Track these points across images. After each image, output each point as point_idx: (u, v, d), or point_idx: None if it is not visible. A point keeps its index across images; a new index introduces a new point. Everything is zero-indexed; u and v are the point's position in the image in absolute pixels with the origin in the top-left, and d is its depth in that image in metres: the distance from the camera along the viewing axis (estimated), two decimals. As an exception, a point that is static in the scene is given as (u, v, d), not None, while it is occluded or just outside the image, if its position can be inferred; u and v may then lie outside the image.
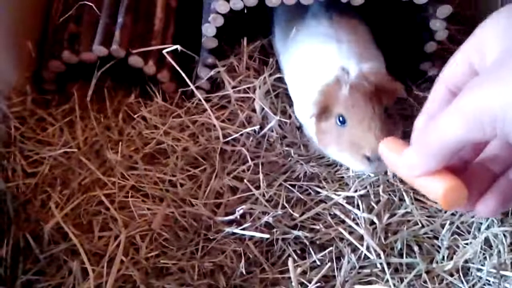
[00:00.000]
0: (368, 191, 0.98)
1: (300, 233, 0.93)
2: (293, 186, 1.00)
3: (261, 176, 0.99)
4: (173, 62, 1.07)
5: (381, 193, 0.98)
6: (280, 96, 1.12)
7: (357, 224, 0.94)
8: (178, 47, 1.07)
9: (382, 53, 1.02)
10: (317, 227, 0.94)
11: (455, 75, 0.58)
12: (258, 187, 0.98)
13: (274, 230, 0.93)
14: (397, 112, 0.92)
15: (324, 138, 0.91)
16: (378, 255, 0.91)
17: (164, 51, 1.07)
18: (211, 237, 0.93)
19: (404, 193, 0.98)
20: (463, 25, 1.23)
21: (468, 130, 0.49)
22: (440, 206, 0.76)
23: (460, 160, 0.61)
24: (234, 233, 0.92)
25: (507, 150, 0.58)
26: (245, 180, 0.99)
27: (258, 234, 0.91)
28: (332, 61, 0.94)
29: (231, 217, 0.93)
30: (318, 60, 0.97)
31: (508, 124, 0.46)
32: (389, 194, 0.98)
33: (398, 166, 0.57)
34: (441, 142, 0.52)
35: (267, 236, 0.91)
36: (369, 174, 0.97)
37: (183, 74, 1.07)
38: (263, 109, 1.08)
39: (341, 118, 0.87)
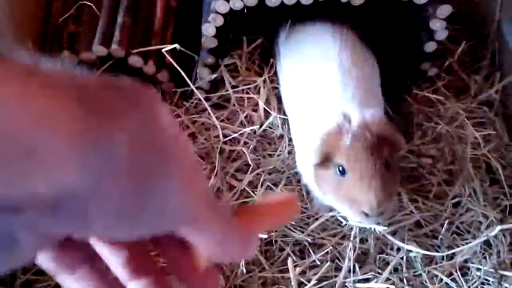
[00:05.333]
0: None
1: (300, 236, 0.93)
2: (293, 186, 1.00)
3: (261, 176, 0.99)
4: (173, 62, 1.07)
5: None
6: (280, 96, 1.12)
7: (357, 223, 0.94)
8: (177, 46, 1.07)
9: (382, 93, 1.00)
10: (317, 228, 0.95)
11: None
12: (258, 187, 0.98)
13: (273, 231, 0.93)
14: (396, 162, 0.89)
15: (323, 186, 0.88)
16: (378, 255, 0.91)
17: (163, 50, 1.07)
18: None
19: (403, 194, 0.98)
20: (463, 25, 1.23)
21: None
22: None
23: None
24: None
25: None
26: (244, 180, 0.99)
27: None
28: (334, 106, 0.91)
29: None
30: (320, 103, 0.94)
31: None
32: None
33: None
34: None
35: (264, 236, 0.91)
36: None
37: (183, 74, 1.07)
38: (264, 109, 1.08)
39: (341, 168, 0.84)
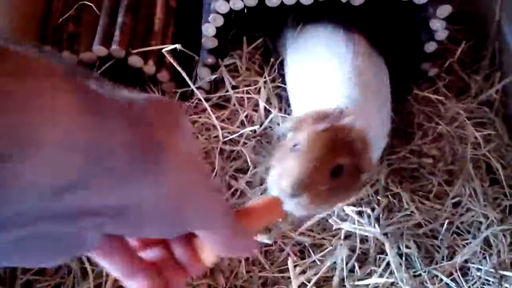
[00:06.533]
0: (368, 193, 0.98)
1: (300, 237, 0.93)
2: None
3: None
4: (173, 62, 1.07)
5: (380, 195, 0.98)
6: (281, 96, 1.12)
7: (356, 223, 0.94)
8: (178, 46, 1.07)
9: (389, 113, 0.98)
10: (317, 228, 0.95)
11: None
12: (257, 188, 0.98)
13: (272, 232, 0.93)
14: (355, 179, 0.82)
15: (278, 152, 0.84)
16: (378, 255, 0.91)
17: (163, 50, 1.07)
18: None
19: (403, 194, 0.98)
20: (463, 25, 1.23)
21: None
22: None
23: None
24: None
25: None
26: (243, 180, 0.99)
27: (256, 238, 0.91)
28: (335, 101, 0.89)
29: None
30: (323, 103, 0.91)
31: None
32: (388, 196, 0.98)
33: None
34: None
35: (268, 242, 0.91)
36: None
37: (184, 74, 1.07)
38: (265, 109, 1.08)
39: (295, 148, 0.80)
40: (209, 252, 0.43)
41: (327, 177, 0.76)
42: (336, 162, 0.77)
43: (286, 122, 0.86)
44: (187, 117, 0.41)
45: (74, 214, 0.32)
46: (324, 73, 0.96)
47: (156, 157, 0.34)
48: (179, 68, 1.07)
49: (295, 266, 0.88)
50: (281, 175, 0.75)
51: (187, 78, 1.07)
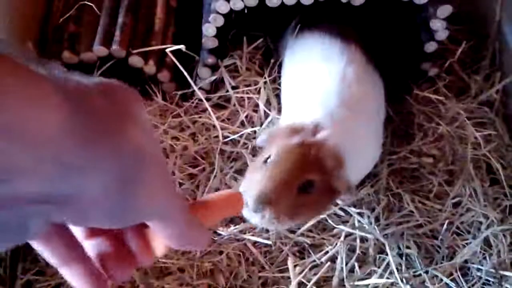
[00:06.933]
0: (368, 193, 0.98)
1: (300, 238, 0.93)
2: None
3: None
4: (177, 63, 1.07)
5: (380, 195, 0.98)
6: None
7: (357, 223, 0.94)
8: (182, 47, 1.07)
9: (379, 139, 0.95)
10: (317, 228, 0.95)
11: None
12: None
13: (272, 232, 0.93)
14: (326, 197, 0.82)
15: (250, 166, 0.86)
16: (378, 255, 0.91)
17: (167, 50, 1.07)
18: (210, 237, 0.93)
19: (403, 194, 0.98)
20: (463, 25, 1.23)
21: None
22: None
23: None
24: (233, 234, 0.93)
25: None
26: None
27: (256, 239, 0.92)
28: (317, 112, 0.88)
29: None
30: (308, 106, 0.91)
31: None
32: (388, 196, 0.98)
33: None
34: None
35: (268, 242, 0.91)
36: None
37: (186, 75, 1.07)
38: (265, 110, 1.08)
39: (267, 160, 0.80)
40: (161, 243, 0.42)
41: (295, 192, 0.75)
42: (305, 177, 0.76)
43: (262, 134, 0.85)
44: (143, 105, 0.38)
45: (14, 202, 0.31)
46: (312, 80, 0.96)
47: (103, 144, 0.33)
48: (182, 69, 1.07)
49: (295, 266, 0.88)
50: (248, 188, 0.75)
51: (189, 79, 1.07)
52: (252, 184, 0.76)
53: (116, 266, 0.42)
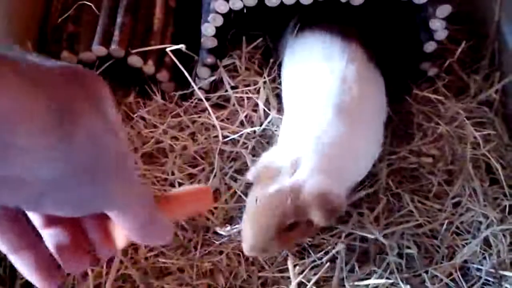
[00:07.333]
0: (368, 193, 0.98)
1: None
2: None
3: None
4: (177, 62, 1.07)
5: (380, 195, 0.98)
6: (281, 96, 1.12)
7: (356, 223, 0.94)
8: (183, 46, 1.06)
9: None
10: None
11: None
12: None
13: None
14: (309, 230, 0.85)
15: (249, 197, 0.87)
16: (378, 255, 0.91)
17: (168, 49, 1.07)
18: (210, 237, 0.92)
19: (403, 194, 0.98)
20: (463, 25, 1.23)
21: None
22: None
23: None
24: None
25: None
26: (243, 182, 0.98)
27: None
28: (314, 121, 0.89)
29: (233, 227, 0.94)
30: (306, 110, 0.92)
31: None
32: (388, 196, 0.98)
33: None
34: None
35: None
36: None
37: (187, 74, 1.07)
38: (265, 109, 1.08)
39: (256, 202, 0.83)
40: (122, 235, 0.41)
41: (281, 234, 0.81)
42: (285, 224, 0.80)
43: (251, 170, 0.87)
44: (108, 91, 0.37)
45: None
46: (314, 79, 0.96)
47: (62, 127, 0.32)
48: (182, 68, 1.06)
49: (294, 266, 0.88)
50: (243, 234, 0.83)
51: (190, 79, 1.07)
52: (244, 233, 0.83)
53: (72, 256, 0.41)
